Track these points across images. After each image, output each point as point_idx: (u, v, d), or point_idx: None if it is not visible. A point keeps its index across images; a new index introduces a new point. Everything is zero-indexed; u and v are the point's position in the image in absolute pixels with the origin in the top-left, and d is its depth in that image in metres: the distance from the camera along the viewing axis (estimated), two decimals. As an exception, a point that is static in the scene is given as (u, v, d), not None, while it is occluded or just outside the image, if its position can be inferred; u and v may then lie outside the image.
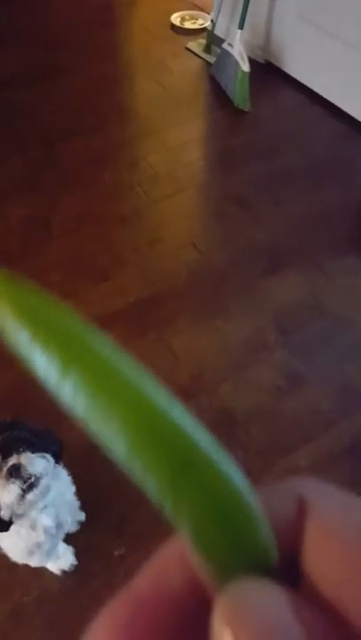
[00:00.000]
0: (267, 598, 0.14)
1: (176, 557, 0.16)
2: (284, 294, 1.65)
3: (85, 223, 1.81)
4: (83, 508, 1.17)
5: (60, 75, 2.39)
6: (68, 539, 1.13)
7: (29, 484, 0.76)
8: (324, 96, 2.28)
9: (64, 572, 1.09)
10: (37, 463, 0.78)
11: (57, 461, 0.86)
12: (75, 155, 2.04)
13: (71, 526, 1.07)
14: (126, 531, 1.16)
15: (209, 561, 0.15)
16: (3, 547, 0.93)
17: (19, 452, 0.77)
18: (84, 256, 1.72)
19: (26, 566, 1.10)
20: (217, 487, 0.14)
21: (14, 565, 1.10)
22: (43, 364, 0.15)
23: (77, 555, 1.12)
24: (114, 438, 0.15)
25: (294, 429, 1.34)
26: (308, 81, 2.34)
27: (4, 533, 0.85)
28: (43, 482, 0.78)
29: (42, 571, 1.10)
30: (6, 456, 0.77)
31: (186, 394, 1.40)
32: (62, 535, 0.99)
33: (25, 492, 0.76)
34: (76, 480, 1.23)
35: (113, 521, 1.18)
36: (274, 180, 2.00)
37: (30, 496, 0.77)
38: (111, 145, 2.10)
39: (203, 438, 0.15)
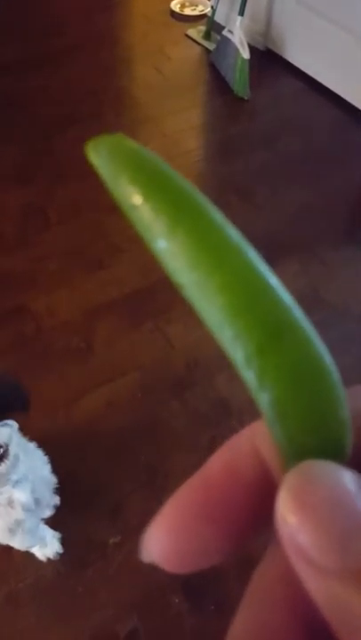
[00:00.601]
0: (337, 477, 0.13)
1: (248, 444, 0.16)
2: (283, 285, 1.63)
3: (82, 212, 1.79)
4: (77, 496, 1.16)
5: (57, 62, 2.35)
6: (63, 526, 1.13)
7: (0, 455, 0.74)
8: (325, 83, 2.24)
9: (59, 559, 1.09)
10: (2, 432, 0.75)
11: (25, 410, 0.82)
12: (71, 143, 2.00)
13: (50, 504, 1.04)
14: (121, 519, 1.16)
15: (285, 439, 0.15)
16: None
17: None
18: (80, 245, 1.70)
19: (20, 553, 1.10)
20: (306, 359, 0.14)
21: (8, 552, 1.10)
22: (149, 219, 0.15)
23: (72, 543, 1.12)
24: (210, 301, 0.15)
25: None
26: (308, 68, 2.30)
27: None
28: (11, 450, 0.75)
29: (36, 558, 1.10)
30: None
31: (181, 383, 1.39)
32: (42, 513, 0.97)
33: None
34: (71, 469, 1.23)
35: (107, 509, 1.17)
36: (273, 169, 1.97)
37: (2, 468, 0.75)
38: (109, 132, 2.07)
39: (297, 312, 0.15)
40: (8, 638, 1.02)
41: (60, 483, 1.19)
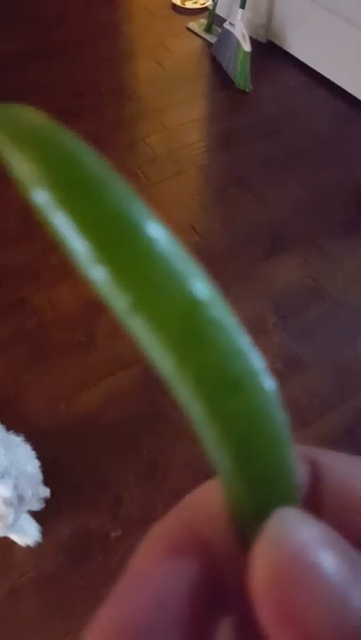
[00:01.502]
0: (313, 522, 0.13)
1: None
2: (283, 277, 1.60)
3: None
4: (78, 489, 1.14)
5: (58, 55, 2.31)
6: (64, 518, 1.11)
7: None
8: (327, 76, 2.19)
9: (60, 553, 1.07)
10: None
11: None
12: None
13: (35, 502, 1.03)
14: (122, 513, 1.13)
15: (243, 496, 0.14)
16: None
17: None
18: (82, 239, 1.67)
19: (22, 547, 1.09)
20: (257, 416, 0.14)
21: (10, 546, 1.08)
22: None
23: (73, 536, 1.10)
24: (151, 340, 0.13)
25: (292, 413, 1.28)
26: (310, 61, 2.25)
27: None
28: None
29: (38, 552, 1.08)
30: None
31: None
32: (24, 509, 0.96)
33: None
34: (72, 462, 1.20)
35: (109, 503, 1.15)
36: (275, 162, 1.93)
37: None
38: (109, 126, 2.03)
39: (252, 358, 0.13)
40: (10, 632, 1.00)
41: (60, 476, 1.17)
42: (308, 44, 2.23)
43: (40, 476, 1.03)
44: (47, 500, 1.13)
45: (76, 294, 1.53)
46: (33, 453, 0.99)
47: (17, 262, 1.60)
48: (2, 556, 1.08)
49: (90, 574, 1.06)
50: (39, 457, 1.16)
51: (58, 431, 1.26)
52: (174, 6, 2.60)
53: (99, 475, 1.19)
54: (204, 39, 2.42)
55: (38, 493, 1.05)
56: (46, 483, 1.14)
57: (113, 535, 1.10)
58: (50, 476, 1.17)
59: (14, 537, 1.07)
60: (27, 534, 1.08)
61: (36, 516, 1.12)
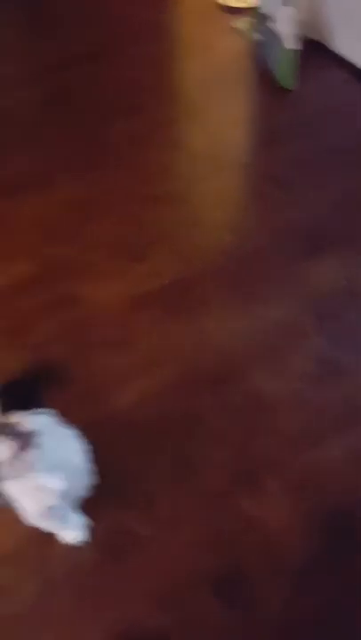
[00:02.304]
0: None
1: None
2: (322, 279, 1.49)
3: (125, 203, 1.70)
4: (113, 487, 1.09)
5: (107, 55, 2.25)
6: (98, 515, 1.06)
7: (23, 442, 0.72)
8: (373, 74, 2.02)
9: (96, 549, 1.03)
10: (31, 421, 0.74)
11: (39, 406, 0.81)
12: (117, 135, 1.91)
13: (82, 491, 0.99)
14: (155, 512, 1.08)
15: None
16: (20, 508, 0.88)
17: (12, 411, 0.74)
18: (122, 236, 1.61)
19: (58, 541, 1.05)
20: None
21: (49, 539, 1.05)
22: None
23: (107, 533, 1.05)
24: None
25: (327, 419, 1.21)
26: (353, 58, 2.08)
27: (20, 495, 0.83)
28: (37, 438, 0.74)
29: (74, 547, 1.04)
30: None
31: (216, 377, 1.29)
32: (72, 501, 0.94)
33: (20, 448, 0.72)
34: (107, 459, 1.15)
35: (142, 501, 1.10)
36: (316, 161, 1.80)
37: (24, 453, 0.73)
38: (154, 125, 1.96)
39: None
40: (44, 623, 0.97)
41: (96, 472, 1.12)
42: (352, 42, 2.07)
43: (87, 467, 0.98)
44: (94, 497, 1.09)
45: (117, 291, 1.49)
46: (84, 447, 0.95)
47: (65, 258, 1.57)
48: (39, 548, 1.05)
49: (124, 572, 1.02)
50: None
51: (96, 427, 1.21)
52: (220, 6, 2.47)
53: (132, 472, 1.14)
54: (249, 38, 2.28)
55: (86, 486, 1.01)
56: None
57: (146, 534, 1.05)
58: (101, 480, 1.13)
59: (63, 534, 1.03)
60: (76, 530, 1.04)
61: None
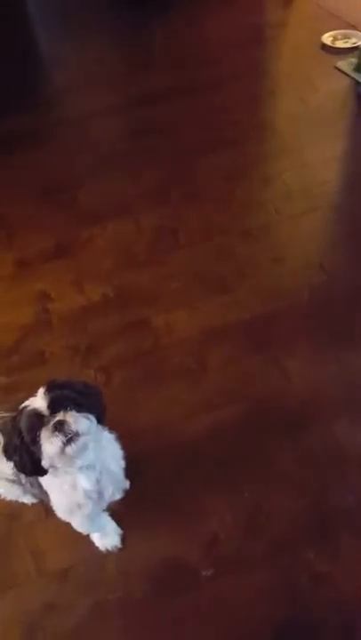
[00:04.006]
0: None
1: None
2: None
3: (212, 236, 1.84)
4: (174, 519, 1.15)
5: (206, 91, 2.48)
6: (157, 545, 1.13)
7: (69, 439, 0.82)
8: None
9: (148, 580, 1.09)
10: (80, 422, 0.84)
11: (99, 421, 0.91)
12: (209, 169, 2.09)
13: (115, 495, 1.09)
14: (216, 552, 1.12)
15: None
16: (52, 501, 1.00)
17: (65, 410, 0.84)
18: (205, 267, 1.74)
19: (113, 565, 1.12)
20: None
21: (103, 562, 1.13)
22: None
23: (164, 565, 1.11)
24: None
25: None
26: None
27: (53, 489, 0.96)
28: (82, 439, 0.84)
29: (128, 574, 1.11)
30: (54, 412, 0.84)
31: (296, 421, 1.33)
32: (103, 505, 1.04)
33: (65, 445, 0.82)
34: (170, 489, 1.22)
35: (203, 539, 1.15)
36: None
37: (69, 450, 0.83)
38: (247, 161, 2.12)
39: None
40: (91, 647, 1.04)
41: (157, 500, 1.20)
42: None
43: (122, 476, 1.09)
44: (142, 524, 1.17)
45: (194, 321, 1.59)
46: (121, 453, 1.06)
47: (141, 285, 1.72)
48: (93, 569, 1.13)
49: (178, 609, 1.06)
50: (140, 477, 1.20)
51: (159, 456, 1.30)
52: (323, 45, 2.67)
53: (196, 507, 1.20)
54: (353, 78, 2.43)
55: (119, 491, 1.12)
56: (144, 504, 1.18)
57: (204, 574, 1.09)
58: (147, 497, 1.21)
59: (95, 538, 1.14)
60: (108, 536, 1.14)
61: (128, 536, 1.16)
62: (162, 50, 2.84)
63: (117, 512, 1.18)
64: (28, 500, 1.19)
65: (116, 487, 1.06)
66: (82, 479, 0.94)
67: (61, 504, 0.99)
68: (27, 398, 0.88)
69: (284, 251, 1.77)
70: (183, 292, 1.68)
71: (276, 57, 2.77)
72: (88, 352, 1.56)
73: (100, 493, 0.99)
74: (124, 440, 1.08)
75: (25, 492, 1.13)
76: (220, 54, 2.74)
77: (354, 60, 2.50)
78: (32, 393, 0.88)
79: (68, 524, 1.06)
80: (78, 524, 1.05)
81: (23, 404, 0.87)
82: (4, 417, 1.04)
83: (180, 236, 1.85)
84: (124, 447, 1.07)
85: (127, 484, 1.18)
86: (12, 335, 1.62)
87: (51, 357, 1.56)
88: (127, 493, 1.18)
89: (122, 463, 1.06)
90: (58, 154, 2.28)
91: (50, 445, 0.83)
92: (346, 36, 2.69)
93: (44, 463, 0.85)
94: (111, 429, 1.05)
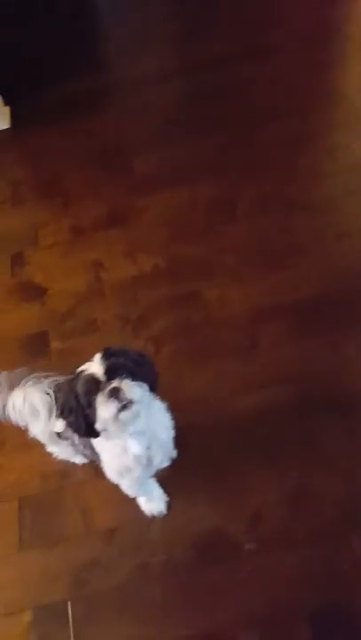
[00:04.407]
0: None
1: None
2: None
3: (271, 208, 1.81)
4: (220, 491, 1.19)
5: (272, 56, 2.39)
6: (201, 514, 1.17)
7: (123, 405, 0.87)
8: None
9: (191, 545, 1.14)
10: (135, 390, 0.88)
11: (152, 390, 0.95)
12: (271, 138, 2.03)
13: (163, 462, 1.15)
14: (260, 528, 1.16)
15: None
16: (102, 463, 1.07)
17: (121, 378, 0.88)
18: (263, 242, 1.72)
19: (157, 530, 1.18)
20: None
21: (148, 525, 1.19)
22: None
23: (207, 534, 1.15)
24: None
25: None
26: None
27: (104, 451, 1.03)
28: (135, 407, 0.88)
29: (172, 539, 1.16)
30: (110, 378, 0.88)
31: (348, 406, 1.32)
32: (152, 471, 1.10)
33: (119, 411, 0.87)
34: (217, 463, 1.26)
35: (247, 514, 1.18)
36: None
37: (122, 416, 0.88)
38: (312, 130, 2.04)
39: None
40: (133, 606, 1.10)
41: (204, 471, 1.24)
42: None
43: (171, 444, 1.14)
44: (187, 493, 1.22)
45: (247, 297, 1.59)
46: (171, 422, 1.10)
47: (195, 257, 1.73)
48: (138, 532, 1.19)
49: (217, 578, 1.10)
50: (187, 448, 1.24)
51: (206, 428, 1.33)
52: None
53: (241, 483, 1.23)
54: None
55: (167, 459, 1.17)
56: (189, 474, 1.23)
57: (247, 547, 1.13)
58: (193, 468, 1.26)
59: (142, 502, 1.20)
60: (154, 502, 1.20)
61: (173, 504, 1.21)
62: (227, 10, 2.74)
63: (164, 480, 1.23)
64: (79, 460, 1.27)
65: (164, 455, 1.11)
66: (133, 444, 0.99)
67: (112, 466, 1.05)
68: (77, 364, 0.92)
69: (350, 227, 1.71)
70: (238, 266, 1.67)
71: (349, 19, 2.61)
72: (138, 322, 1.60)
73: (150, 459, 1.04)
74: (172, 411, 1.11)
75: (76, 452, 1.20)
76: (290, 13, 2.62)
77: None
78: (83, 359, 0.92)
79: (115, 487, 1.12)
80: (127, 487, 1.11)
81: (80, 368, 0.92)
82: (57, 380, 1.11)
83: (238, 208, 1.84)
84: (172, 418, 1.10)
85: (175, 453, 1.23)
86: (66, 301, 1.69)
87: (102, 325, 1.61)
88: (174, 462, 1.22)
89: (171, 432, 1.10)
90: (115, 119, 2.29)
91: (104, 410, 0.87)
92: None
93: (98, 426, 0.90)
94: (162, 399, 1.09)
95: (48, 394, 1.07)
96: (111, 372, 0.89)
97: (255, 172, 1.94)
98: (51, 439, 1.15)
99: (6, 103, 2.40)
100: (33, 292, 1.74)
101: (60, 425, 1.06)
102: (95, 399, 0.88)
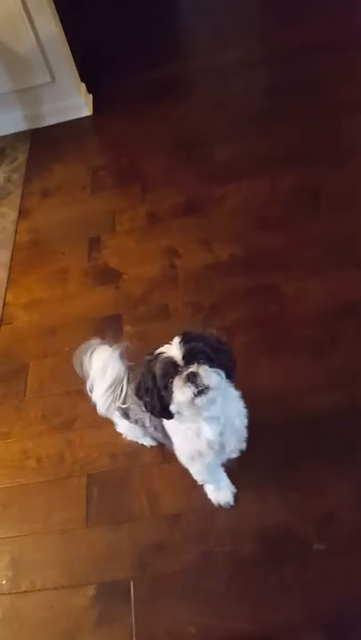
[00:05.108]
0: None
1: None
2: None
3: (357, 202, 1.76)
4: (291, 489, 1.19)
5: (357, 45, 2.32)
6: (271, 511, 1.17)
7: (200, 391, 0.89)
8: None
9: (258, 541, 1.15)
10: (211, 376, 0.90)
11: (228, 378, 0.97)
12: (358, 129, 1.98)
13: (235, 450, 1.16)
14: (331, 528, 1.14)
15: None
16: (174, 446, 1.09)
17: (199, 363, 0.90)
18: (347, 236, 1.69)
19: (223, 520, 1.20)
20: None
21: (214, 514, 1.20)
22: None
23: (276, 530, 1.15)
24: None
25: None
26: None
27: (177, 434, 1.05)
28: (212, 393, 0.90)
29: (239, 531, 1.17)
30: (188, 363, 0.90)
31: None
32: (224, 457, 1.11)
33: (195, 396, 0.89)
34: (289, 458, 1.25)
35: (319, 514, 1.17)
36: None
37: (198, 401, 0.89)
38: None
39: None
40: (194, 593, 1.13)
41: (276, 467, 1.24)
42: None
43: (245, 432, 1.14)
44: (255, 487, 1.22)
45: (326, 292, 1.56)
46: (245, 411, 1.11)
47: (274, 248, 1.72)
48: (203, 520, 1.22)
49: (284, 575, 1.10)
50: (257, 442, 1.25)
51: (278, 422, 1.33)
52: None
53: (313, 482, 1.22)
54: None
55: (240, 447, 1.18)
56: (258, 468, 1.23)
57: (316, 547, 1.12)
58: (262, 462, 1.26)
59: (209, 490, 1.22)
60: (221, 491, 1.21)
61: (241, 496, 1.22)
62: (318, 2, 2.68)
63: (232, 471, 1.24)
64: (147, 442, 1.31)
65: (237, 442, 1.12)
66: (206, 429, 1.01)
67: (184, 449, 1.07)
68: (147, 349, 0.96)
69: None
70: (318, 260, 1.65)
71: None
72: (211, 311, 1.62)
73: (222, 445, 1.05)
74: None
75: (145, 434, 1.24)
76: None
77: None
78: (153, 344, 0.96)
79: (182, 473, 1.14)
80: (196, 472, 1.14)
81: (158, 350, 0.95)
82: (130, 365, 1.15)
83: (321, 200, 1.81)
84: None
85: (245, 445, 1.23)
86: (140, 286, 1.74)
87: (174, 312, 1.65)
88: (243, 456, 1.23)
89: (245, 421, 1.12)
90: (198, 107, 2.32)
91: (181, 394, 0.90)
92: None
93: (173, 408, 0.93)
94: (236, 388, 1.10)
95: (124, 364, 1.12)
96: (189, 357, 0.91)
97: (340, 163, 1.90)
98: (110, 411, 1.18)
99: (89, 91, 2.50)
100: (108, 276, 1.80)
101: (123, 400, 1.11)
102: (172, 382, 0.91)
